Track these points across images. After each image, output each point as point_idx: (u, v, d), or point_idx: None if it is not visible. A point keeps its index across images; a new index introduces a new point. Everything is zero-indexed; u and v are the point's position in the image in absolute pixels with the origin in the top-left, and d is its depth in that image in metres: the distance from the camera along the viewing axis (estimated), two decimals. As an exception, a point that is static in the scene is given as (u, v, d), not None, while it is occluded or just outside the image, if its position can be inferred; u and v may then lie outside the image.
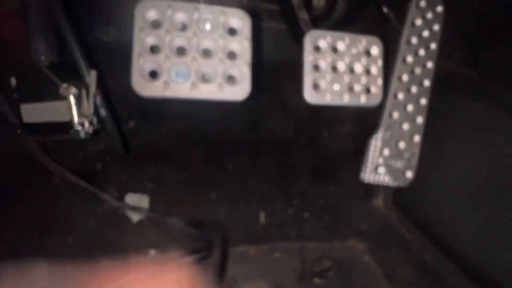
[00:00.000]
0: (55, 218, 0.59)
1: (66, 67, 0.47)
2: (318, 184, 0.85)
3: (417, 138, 0.69)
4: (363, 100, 0.54)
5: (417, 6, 0.66)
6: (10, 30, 0.51)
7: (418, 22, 0.66)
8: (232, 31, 0.43)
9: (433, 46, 0.68)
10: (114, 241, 0.63)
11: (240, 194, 0.82)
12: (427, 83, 0.68)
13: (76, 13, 0.47)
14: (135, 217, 0.70)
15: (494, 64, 0.63)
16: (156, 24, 0.41)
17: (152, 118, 0.83)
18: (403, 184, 0.69)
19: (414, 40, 0.66)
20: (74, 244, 0.58)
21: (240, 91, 0.42)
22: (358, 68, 0.54)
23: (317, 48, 0.52)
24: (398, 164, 0.68)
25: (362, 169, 0.66)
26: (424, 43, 0.67)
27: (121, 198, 0.73)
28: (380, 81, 0.55)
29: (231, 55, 0.42)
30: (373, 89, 0.55)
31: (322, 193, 0.84)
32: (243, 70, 0.42)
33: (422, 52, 0.67)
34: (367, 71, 0.55)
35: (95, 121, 0.47)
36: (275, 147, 0.91)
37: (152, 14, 0.40)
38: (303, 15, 0.54)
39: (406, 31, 0.65)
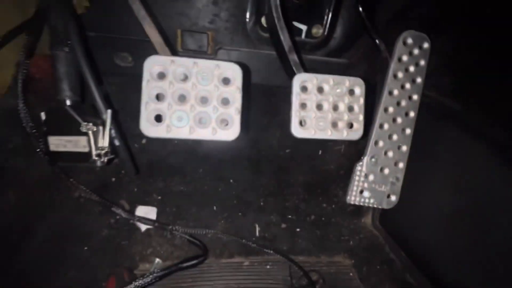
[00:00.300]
0: (73, 228, 0.68)
1: (86, 105, 0.56)
2: (312, 201, 0.91)
3: (401, 165, 0.74)
4: (345, 134, 0.59)
5: (404, 43, 0.70)
6: (42, 72, 0.60)
7: (405, 58, 0.70)
8: (226, 81, 0.49)
9: (419, 80, 0.72)
10: (124, 249, 0.72)
11: (239, 207, 0.89)
12: (412, 114, 0.73)
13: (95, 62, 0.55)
14: (143, 226, 0.79)
15: (477, 97, 0.67)
16: (161, 76, 0.48)
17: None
18: (387, 207, 0.74)
19: (400, 74, 0.70)
20: (89, 252, 0.66)
21: (230, 133, 0.48)
22: (342, 106, 0.59)
23: (304, 89, 0.58)
24: (383, 188, 0.73)
25: (348, 192, 0.71)
26: (410, 77, 0.71)
27: (132, 208, 0.82)
28: (361, 117, 0.60)
29: (225, 102, 0.49)
30: (355, 125, 0.60)
31: (314, 209, 0.90)
32: (234, 116, 0.48)
33: (408, 85, 0.71)
34: (350, 109, 0.60)
35: (109, 152, 0.55)
36: (273, 164, 0.97)
37: (157, 68, 0.48)
38: (293, 57, 0.60)
39: (392, 66, 0.69)
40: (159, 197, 0.86)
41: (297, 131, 0.57)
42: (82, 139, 0.53)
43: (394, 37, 0.72)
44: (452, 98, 0.70)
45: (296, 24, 0.88)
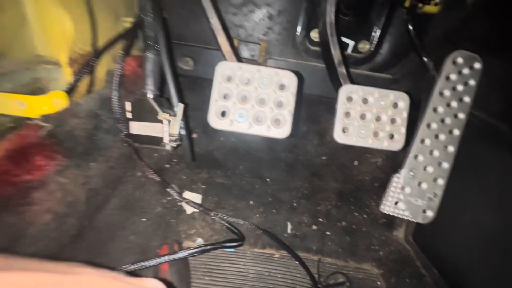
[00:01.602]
0: (135, 202, 0.80)
1: (164, 99, 0.68)
2: (344, 208, 0.94)
3: (441, 181, 0.74)
4: (385, 144, 0.63)
5: (454, 62, 0.72)
6: (130, 69, 0.74)
7: (453, 76, 0.72)
8: (282, 87, 0.57)
9: (466, 99, 0.73)
10: (172, 227, 0.82)
11: (273, 204, 0.95)
12: (457, 132, 0.73)
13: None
14: (189, 209, 0.89)
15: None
16: (229, 79, 0.58)
17: (211, 132, 1.03)
18: (423, 222, 0.75)
19: (447, 92, 0.72)
20: (146, 223, 0.78)
21: (282, 131, 0.56)
22: (384, 117, 0.63)
23: (349, 99, 0.63)
24: (419, 202, 0.74)
25: (383, 201, 0.74)
26: (458, 95, 0.73)
27: (180, 193, 0.93)
28: (403, 130, 0.64)
29: (279, 104, 0.57)
30: (396, 136, 0.64)
31: (346, 217, 0.93)
32: (286, 117, 0.56)
33: (454, 104, 0.73)
34: (393, 121, 0.64)
35: (178, 139, 0.66)
36: (309, 169, 1.03)
37: (227, 72, 0.57)
38: (341, 70, 0.66)
39: (439, 83, 0.72)
40: (203, 186, 0.96)
41: (339, 136, 0.62)
42: (158, 126, 0.65)
43: (443, 56, 0.74)
44: (501, 120, 0.69)
45: (343, 39, 0.94)
